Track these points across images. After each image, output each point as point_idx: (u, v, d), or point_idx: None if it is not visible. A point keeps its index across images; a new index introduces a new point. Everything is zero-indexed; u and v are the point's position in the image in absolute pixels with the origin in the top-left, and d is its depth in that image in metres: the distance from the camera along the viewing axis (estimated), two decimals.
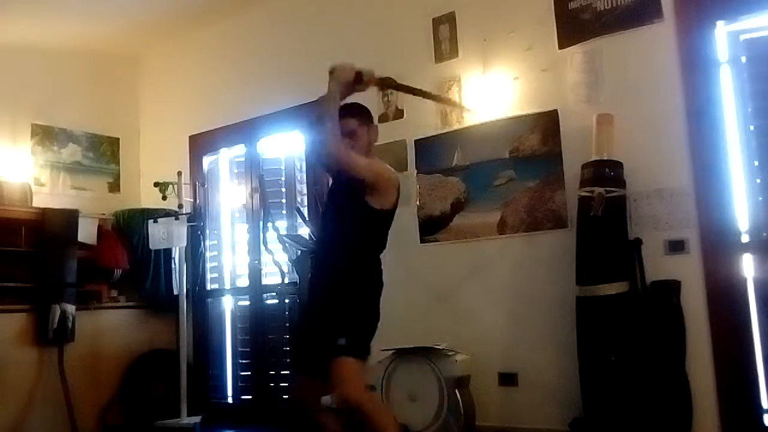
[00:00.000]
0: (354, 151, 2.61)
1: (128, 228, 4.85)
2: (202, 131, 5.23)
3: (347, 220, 2.63)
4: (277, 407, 4.51)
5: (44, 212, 4.48)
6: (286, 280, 4.33)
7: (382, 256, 2.70)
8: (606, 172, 3.29)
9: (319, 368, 2.47)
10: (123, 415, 4.65)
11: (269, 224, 4.33)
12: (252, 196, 4.91)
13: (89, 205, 5.04)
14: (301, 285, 4.08)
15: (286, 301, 4.55)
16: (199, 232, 4.91)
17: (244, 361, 4.88)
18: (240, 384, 4.89)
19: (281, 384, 4.60)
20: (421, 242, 4.04)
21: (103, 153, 5.46)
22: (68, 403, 4.25)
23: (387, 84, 2.86)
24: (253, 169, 4.92)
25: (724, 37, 3.28)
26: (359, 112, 2.75)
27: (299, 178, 4.78)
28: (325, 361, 2.44)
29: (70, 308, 4.35)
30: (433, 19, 4.10)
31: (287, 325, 4.59)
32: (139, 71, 5.75)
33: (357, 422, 2.48)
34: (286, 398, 4.32)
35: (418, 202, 4.08)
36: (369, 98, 4.24)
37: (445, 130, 4.02)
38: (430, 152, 4.07)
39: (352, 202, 2.61)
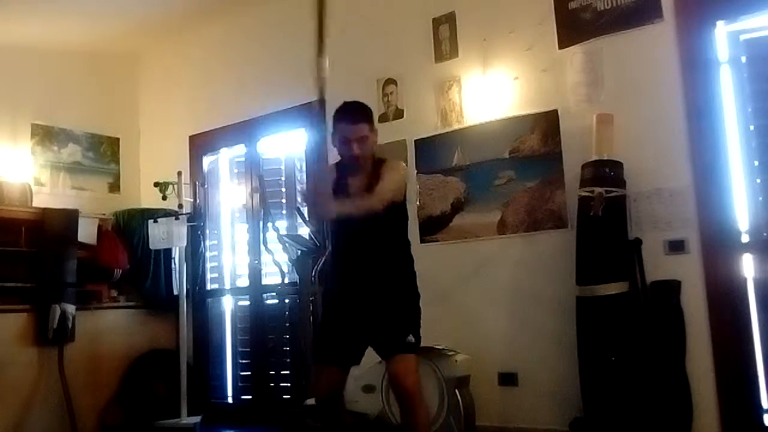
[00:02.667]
0: (363, 152, 2.72)
1: (128, 228, 4.85)
2: (202, 131, 5.23)
3: (389, 225, 2.74)
4: (277, 407, 4.51)
5: (44, 212, 4.47)
6: (286, 280, 4.33)
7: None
8: (606, 172, 3.29)
9: (352, 360, 2.77)
10: (123, 415, 4.65)
11: (269, 224, 4.33)
12: (252, 196, 4.91)
13: (89, 205, 5.04)
14: (301, 285, 4.08)
15: (286, 301, 4.55)
16: (199, 232, 4.91)
17: (244, 361, 4.88)
18: (240, 384, 4.89)
19: (281, 384, 4.60)
20: (421, 242, 4.03)
21: (103, 153, 5.46)
22: (68, 403, 4.25)
23: None
24: (253, 169, 4.92)
25: (724, 37, 3.28)
26: (368, 117, 2.80)
27: (299, 178, 4.78)
28: (360, 353, 2.77)
29: (70, 308, 4.34)
30: (433, 19, 4.10)
31: (287, 325, 4.59)
32: (139, 71, 5.75)
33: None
34: (294, 408, 4.33)
35: (418, 202, 4.08)
36: (369, 98, 4.27)
37: (445, 130, 4.02)
38: (430, 152, 4.07)
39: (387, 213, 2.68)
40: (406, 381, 2.61)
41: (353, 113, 2.77)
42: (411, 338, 2.67)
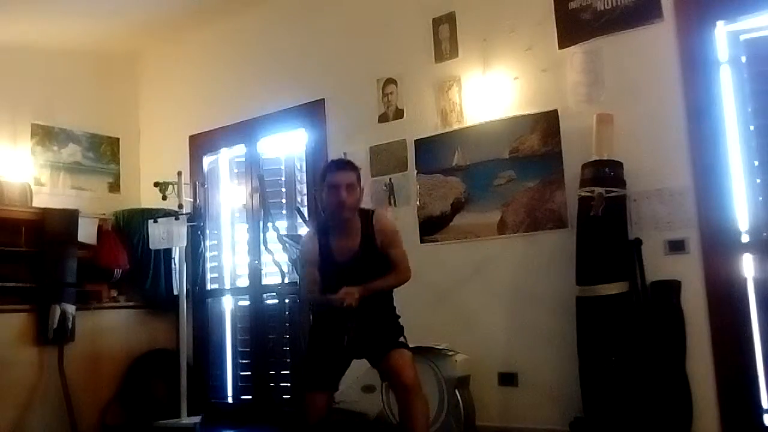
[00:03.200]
0: (350, 200, 2.84)
1: (128, 228, 4.85)
2: (202, 131, 5.23)
3: (383, 266, 2.92)
4: (277, 407, 4.51)
5: (44, 212, 4.47)
6: (286, 280, 4.33)
7: None
8: (606, 172, 3.29)
9: (336, 381, 2.90)
10: (123, 415, 4.65)
11: (269, 224, 4.33)
12: (252, 196, 4.91)
13: (89, 205, 5.04)
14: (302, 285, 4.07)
15: (286, 301, 4.55)
16: (199, 232, 4.91)
17: (244, 361, 4.88)
18: (240, 384, 4.89)
19: (281, 384, 4.60)
20: (421, 242, 4.03)
21: (103, 153, 5.46)
22: (68, 403, 4.25)
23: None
24: (253, 169, 4.92)
25: (724, 37, 3.28)
26: (357, 171, 2.97)
27: (299, 178, 4.78)
28: (343, 373, 2.90)
29: (70, 308, 4.34)
30: (433, 19, 4.10)
31: (287, 325, 4.59)
32: (139, 71, 5.75)
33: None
34: (294, 408, 4.36)
35: (418, 202, 4.08)
36: (369, 98, 4.30)
37: (445, 130, 4.02)
38: (430, 152, 4.07)
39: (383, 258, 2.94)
40: (404, 372, 2.66)
41: (343, 164, 2.95)
42: (403, 339, 2.79)
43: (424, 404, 2.77)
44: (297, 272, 4.10)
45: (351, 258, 2.89)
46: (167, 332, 4.92)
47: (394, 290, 3.01)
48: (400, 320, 2.96)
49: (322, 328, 2.95)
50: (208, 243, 5.10)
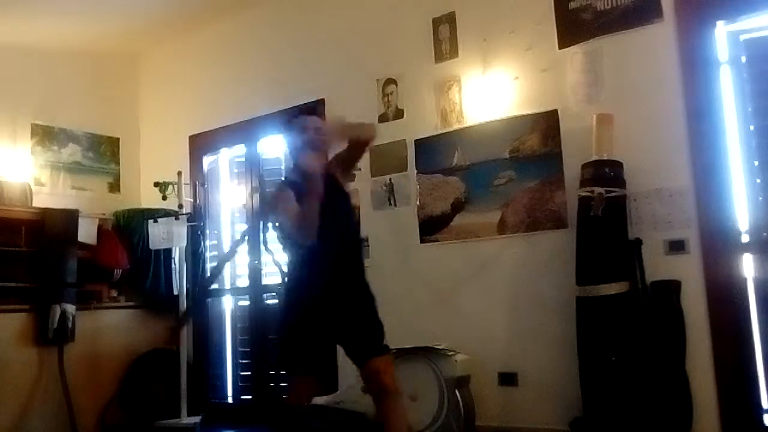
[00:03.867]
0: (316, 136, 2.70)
1: (128, 228, 4.85)
2: (202, 131, 5.23)
3: (350, 229, 2.81)
4: (277, 407, 4.51)
5: (44, 212, 4.48)
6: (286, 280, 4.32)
7: None
8: (606, 172, 3.29)
9: (319, 368, 2.74)
10: (123, 415, 4.65)
11: (269, 224, 4.33)
12: (252, 196, 4.91)
13: (89, 205, 5.04)
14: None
15: None
16: (199, 232, 4.91)
17: (244, 361, 4.88)
18: (240, 384, 4.90)
19: (281, 384, 4.60)
20: (421, 242, 4.04)
21: (103, 153, 5.46)
22: (68, 403, 4.25)
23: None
24: (253, 169, 4.92)
25: (724, 37, 3.28)
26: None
27: None
28: (327, 360, 2.73)
29: (70, 308, 4.35)
30: (433, 19, 4.10)
31: None
32: (139, 71, 5.75)
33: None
34: (282, 399, 4.34)
35: (418, 202, 4.08)
36: (369, 98, 4.30)
37: (445, 130, 4.02)
38: (430, 152, 4.07)
39: (347, 212, 2.78)
40: (384, 377, 2.60)
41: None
42: (386, 341, 2.68)
43: (403, 411, 2.68)
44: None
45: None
46: (167, 332, 4.92)
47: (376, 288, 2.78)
48: (378, 313, 2.73)
49: (296, 311, 2.77)
50: (208, 243, 5.10)
